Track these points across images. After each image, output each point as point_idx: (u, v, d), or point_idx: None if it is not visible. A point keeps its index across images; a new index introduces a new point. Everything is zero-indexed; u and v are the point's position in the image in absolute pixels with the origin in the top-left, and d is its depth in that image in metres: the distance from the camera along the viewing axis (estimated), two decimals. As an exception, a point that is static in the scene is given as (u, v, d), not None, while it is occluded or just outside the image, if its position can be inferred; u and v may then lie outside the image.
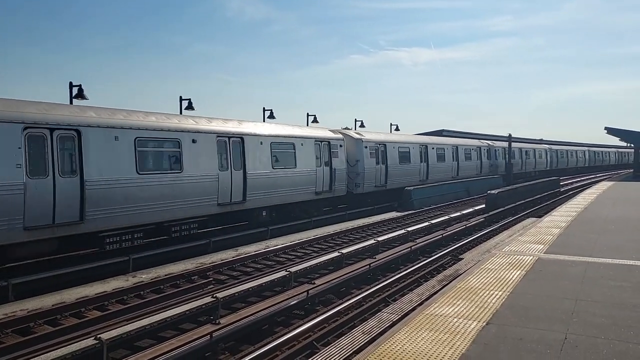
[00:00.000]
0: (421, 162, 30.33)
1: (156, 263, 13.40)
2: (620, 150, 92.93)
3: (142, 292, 11.13)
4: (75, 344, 7.51)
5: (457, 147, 35.21)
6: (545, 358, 5.58)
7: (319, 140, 21.72)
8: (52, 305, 9.84)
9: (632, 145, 54.93)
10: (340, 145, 23.09)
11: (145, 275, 12.29)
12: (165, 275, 12.23)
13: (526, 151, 50.10)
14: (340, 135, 23.64)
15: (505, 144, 44.77)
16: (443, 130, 44.60)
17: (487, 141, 41.99)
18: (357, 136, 25.01)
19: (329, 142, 22.31)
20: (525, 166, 49.42)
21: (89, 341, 7.52)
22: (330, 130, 23.45)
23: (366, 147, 24.69)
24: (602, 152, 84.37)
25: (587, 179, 52.94)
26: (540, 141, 61.10)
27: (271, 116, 24.35)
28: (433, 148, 31.84)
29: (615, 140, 72.62)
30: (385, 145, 26.48)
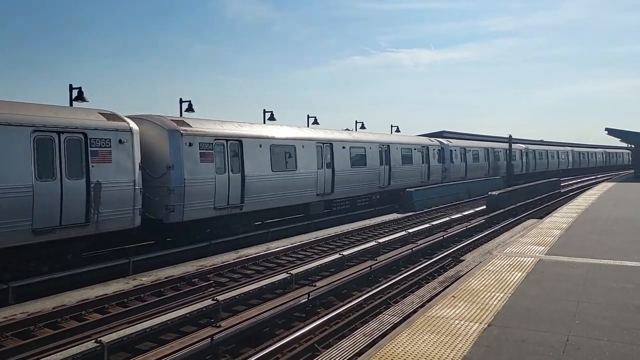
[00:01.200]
0: (321, 167, 21.10)
1: (156, 266, 13.38)
2: (608, 150, 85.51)
3: (142, 295, 11.11)
4: (76, 347, 7.50)
5: (388, 146, 26.70)
6: (547, 360, 5.55)
7: (48, 131, 11.63)
8: (53, 308, 9.82)
9: (632, 145, 54.88)
10: (122, 141, 13.11)
11: (146, 278, 12.26)
12: (166, 277, 12.20)
13: (495, 152, 42.33)
14: (123, 124, 13.42)
15: (474, 144, 39.45)
16: (444, 132, 44.61)
17: (441, 140, 34.39)
18: (172, 126, 15.03)
19: (83, 134, 12.33)
20: (493, 170, 41.25)
21: (90, 344, 7.52)
22: (101, 114, 13.29)
23: (191, 144, 15.01)
24: (587, 152, 75.13)
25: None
26: (517, 141, 51.85)
27: (272, 118, 24.35)
28: (344, 147, 22.71)
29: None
30: (240, 142, 16.87)
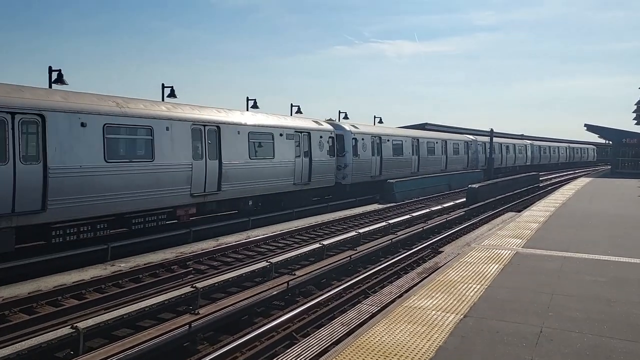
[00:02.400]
0: (6, 160, 10.88)
1: (135, 252, 13.25)
2: (572, 145, 76.54)
3: (120, 281, 11.01)
4: (52, 332, 7.42)
5: (218, 128, 16.18)
6: (520, 351, 5.67)
7: None
8: (28, 293, 9.67)
9: (610, 142, 56.00)
10: None
11: (124, 264, 12.16)
12: (145, 264, 12.12)
13: (429, 144, 33.43)
14: None
15: (396, 132, 30.93)
16: (426, 124, 44.73)
17: (343, 124, 25.75)
18: None
19: None
20: (425, 167, 32.35)
21: (66, 330, 7.43)
22: None
23: None
24: (549, 147, 65.00)
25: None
26: (467, 131, 45.84)
27: (255, 106, 24.19)
28: (84, 124, 12.30)
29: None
30: None
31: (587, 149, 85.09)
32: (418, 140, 32.08)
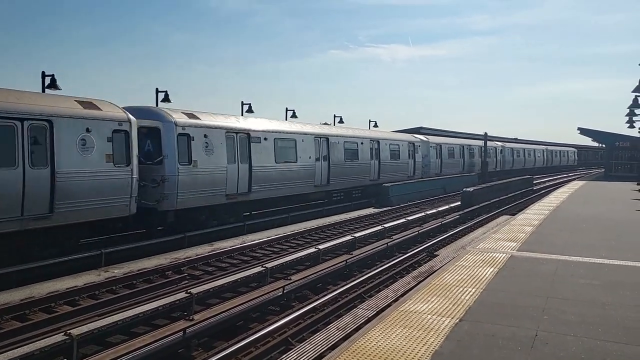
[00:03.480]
0: None
1: (129, 258, 13.18)
2: (550, 148, 69.22)
3: (114, 287, 10.94)
4: (45, 339, 7.34)
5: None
6: (516, 355, 5.66)
7: None
8: (21, 300, 9.60)
9: (604, 145, 56.33)
10: None
11: (118, 270, 12.09)
12: (139, 270, 12.04)
13: (339, 142, 23.86)
14: None
15: (281, 127, 20.46)
16: (421, 128, 44.83)
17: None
18: None
19: None
20: (329, 176, 22.98)
21: (59, 337, 7.35)
22: None
23: None
24: (524, 150, 57.39)
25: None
26: (428, 131, 40.83)
27: (250, 110, 24.17)
28: None
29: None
30: None
31: (567, 151, 78.17)
32: (328, 139, 22.73)
